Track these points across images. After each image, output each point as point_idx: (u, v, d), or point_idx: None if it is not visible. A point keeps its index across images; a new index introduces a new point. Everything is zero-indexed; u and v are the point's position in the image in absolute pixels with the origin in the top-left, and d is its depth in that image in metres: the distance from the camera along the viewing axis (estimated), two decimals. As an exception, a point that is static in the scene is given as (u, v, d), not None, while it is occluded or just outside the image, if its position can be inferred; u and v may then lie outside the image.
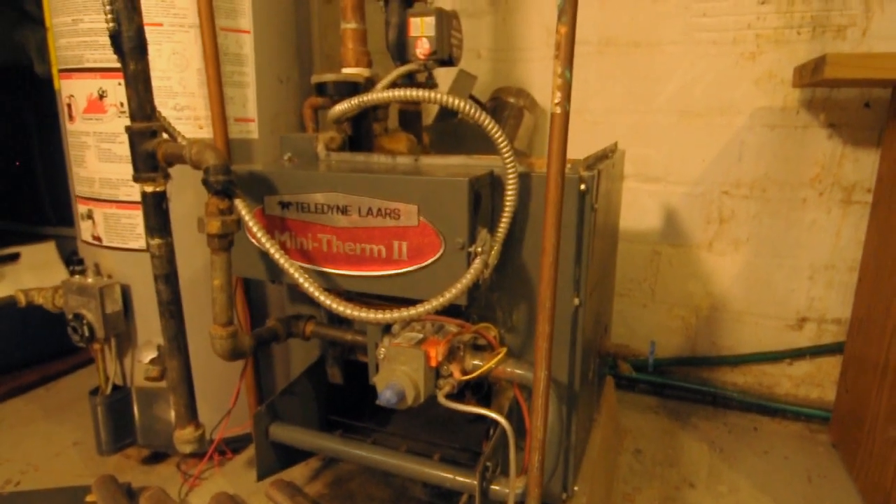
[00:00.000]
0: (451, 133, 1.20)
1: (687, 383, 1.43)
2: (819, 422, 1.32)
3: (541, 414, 0.61)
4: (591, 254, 0.72)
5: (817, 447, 1.24)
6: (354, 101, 0.72)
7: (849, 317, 1.27)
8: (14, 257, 1.52)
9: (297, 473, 0.89)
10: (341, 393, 0.93)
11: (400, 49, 0.96)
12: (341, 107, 0.74)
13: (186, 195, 0.98)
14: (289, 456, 0.85)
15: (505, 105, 1.34)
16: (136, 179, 0.70)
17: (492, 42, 1.46)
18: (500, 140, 0.66)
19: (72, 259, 1.08)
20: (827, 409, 1.31)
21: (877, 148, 1.21)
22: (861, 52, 1.17)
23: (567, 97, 0.53)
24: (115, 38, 0.67)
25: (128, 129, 0.69)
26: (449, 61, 0.97)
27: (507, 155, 0.66)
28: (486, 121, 0.67)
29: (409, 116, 1.06)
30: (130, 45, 0.67)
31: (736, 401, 1.39)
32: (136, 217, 0.99)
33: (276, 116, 1.05)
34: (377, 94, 0.71)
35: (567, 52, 0.52)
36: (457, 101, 0.66)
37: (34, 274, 1.51)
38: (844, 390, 1.22)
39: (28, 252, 1.53)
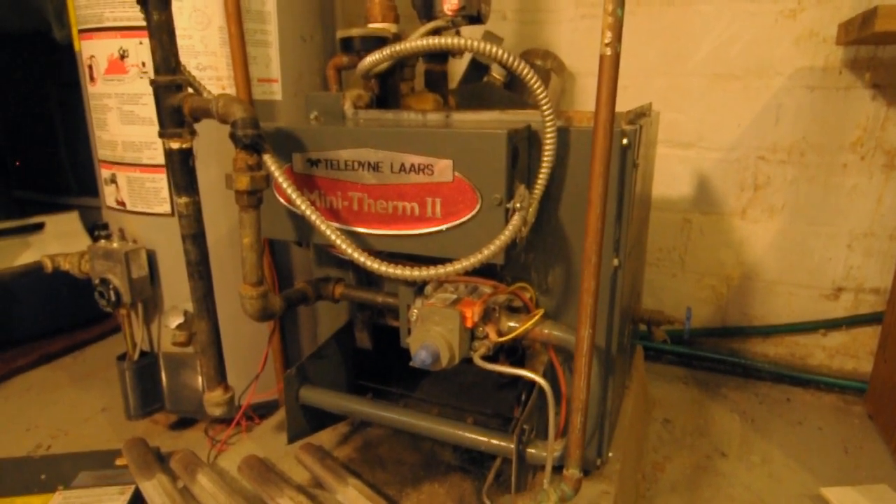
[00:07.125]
0: (477, 96, 1.16)
1: (716, 354, 1.40)
2: (854, 393, 1.29)
3: (584, 374, 0.59)
4: (630, 213, 0.70)
5: (852, 418, 1.21)
6: (386, 51, 0.69)
7: (888, 286, 1.23)
8: (39, 227, 1.52)
9: (326, 438, 0.88)
10: (369, 359, 0.92)
11: (427, 5, 0.92)
12: (372, 58, 0.71)
13: (210, 164, 0.96)
14: (318, 420, 0.84)
15: (532, 67, 1.30)
16: (161, 136, 0.68)
17: (518, 3, 1.41)
18: (538, 91, 0.63)
19: (96, 226, 1.07)
20: (862, 381, 1.28)
21: (924, 109, 1.16)
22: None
23: (618, 37, 0.50)
24: (138, -13, 0.65)
25: (153, 82, 0.67)
26: (477, 18, 0.93)
27: (545, 107, 0.63)
28: (525, 70, 0.64)
29: (435, 77, 1.03)
30: (154, -6, 0.64)
31: (767, 372, 1.36)
32: (161, 181, 0.97)
33: (300, 77, 1.02)
34: (410, 44, 0.68)
35: (619, -13, 0.49)
36: (494, 49, 0.63)
37: (59, 243, 1.51)
38: (883, 361, 1.18)
39: (52, 222, 1.54)
